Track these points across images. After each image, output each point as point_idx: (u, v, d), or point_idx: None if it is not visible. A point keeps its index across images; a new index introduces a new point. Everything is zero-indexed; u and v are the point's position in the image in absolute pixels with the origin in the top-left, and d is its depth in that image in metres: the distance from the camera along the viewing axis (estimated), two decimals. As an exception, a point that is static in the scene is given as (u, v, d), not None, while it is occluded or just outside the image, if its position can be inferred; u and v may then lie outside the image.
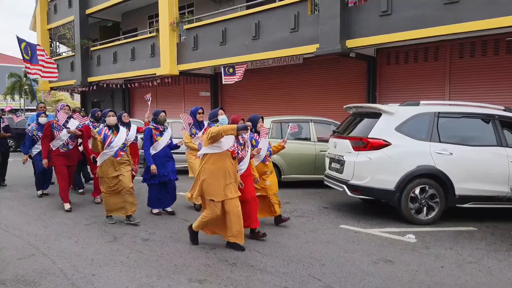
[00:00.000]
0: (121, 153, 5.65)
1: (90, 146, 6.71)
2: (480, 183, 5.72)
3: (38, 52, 12.12)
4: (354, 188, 5.93)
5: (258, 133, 5.44)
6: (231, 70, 11.80)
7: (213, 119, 5.00)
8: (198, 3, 15.84)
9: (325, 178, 6.93)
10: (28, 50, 11.84)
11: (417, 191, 5.69)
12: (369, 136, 5.86)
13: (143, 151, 6.29)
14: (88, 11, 18.20)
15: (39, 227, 5.62)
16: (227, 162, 4.54)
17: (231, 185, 4.58)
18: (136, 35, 16.70)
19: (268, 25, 11.15)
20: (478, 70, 9.45)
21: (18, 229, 5.51)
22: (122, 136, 5.73)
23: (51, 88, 21.51)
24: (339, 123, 7.78)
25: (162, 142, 6.16)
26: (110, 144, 5.57)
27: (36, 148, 7.57)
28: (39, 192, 7.63)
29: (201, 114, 6.50)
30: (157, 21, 15.45)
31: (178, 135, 8.34)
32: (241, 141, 4.84)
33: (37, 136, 7.57)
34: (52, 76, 12.87)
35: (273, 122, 8.51)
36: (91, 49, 18.15)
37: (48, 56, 13.32)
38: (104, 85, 18.04)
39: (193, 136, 6.40)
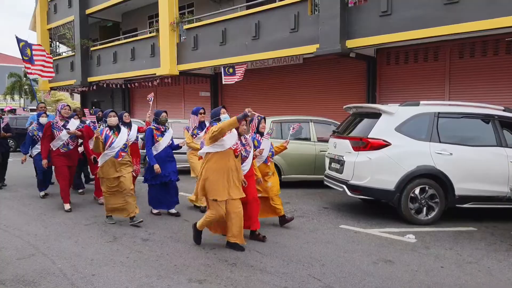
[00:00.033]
0: (122, 153, 5.62)
1: (90, 146, 6.70)
2: (480, 183, 5.72)
3: (36, 52, 12.13)
4: (354, 188, 5.93)
5: (261, 134, 5.42)
6: (231, 70, 11.80)
7: (215, 118, 4.98)
8: (198, 3, 15.84)
9: (325, 178, 6.93)
10: (27, 50, 11.85)
11: (417, 191, 5.69)
12: (369, 136, 5.86)
13: (143, 151, 6.27)
14: (88, 11, 18.20)
15: (39, 227, 5.62)
16: (230, 160, 4.49)
17: (235, 185, 4.54)
18: (136, 35, 16.70)
19: (268, 25, 11.15)
20: (478, 70, 9.46)
21: (18, 229, 5.52)
22: (123, 137, 5.70)
23: (51, 88, 21.52)
24: (339, 123, 7.78)
25: (163, 143, 6.13)
26: (111, 145, 5.54)
27: (37, 149, 7.56)
28: (42, 193, 7.60)
29: (203, 114, 6.46)
30: (157, 21, 15.45)
31: (178, 135, 8.34)
32: (243, 141, 4.83)
33: (37, 137, 7.56)
34: (49, 76, 12.91)
35: (273, 122, 8.51)
36: (91, 49, 18.15)
37: (49, 55, 13.34)
38: (104, 85, 18.04)
39: (194, 136, 6.37)
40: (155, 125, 6.19)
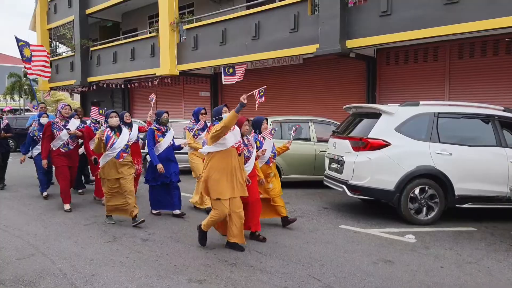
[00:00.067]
0: (124, 154, 5.59)
1: (91, 147, 6.67)
2: (480, 184, 5.72)
3: (36, 53, 12.15)
4: (353, 188, 5.93)
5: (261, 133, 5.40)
6: (231, 70, 11.77)
7: (218, 117, 4.95)
8: (198, 3, 15.84)
9: (324, 178, 6.93)
10: (24, 50, 11.86)
11: (416, 191, 5.69)
12: (368, 137, 5.86)
13: (143, 151, 6.23)
14: (88, 11, 18.20)
15: (38, 227, 5.62)
16: (233, 159, 4.47)
17: (239, 182, 4.51)
18: (136, 35, 16.70)
19: (268, 25, 11.15)
20: (478, 70, 9.46)
21: (17, 229, 5.51)
22: (125, 137, 5.65)
23: (51, 88, 21.52)
24: (339, 123, 7.78)
25: (164, 143, 6.09)
26: (113, 146, 5.50)
27: (37, 149, 7.55)
28: (45, 193, 7.55)
29: (204, 115, 6.41)
30: (157, 21, 15.45)
31: (178, 136, 8.33)
32: (246, 142, 4.81)
33: (38, 137, 7.55)
34: (47, 75, 12.95)
35: (273, 122, 8.51)
36: (91, 49, 18.15)
37: (47, 55, 13.35)
38: (104, 85, 18.04)
39: (196, 137, 6.32)
40: (157, 125, 6.16)
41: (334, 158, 6.54)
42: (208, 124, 6.33)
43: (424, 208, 5.73)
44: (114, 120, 5.63)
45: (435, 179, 5.70)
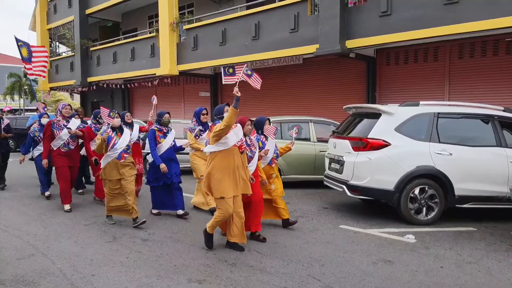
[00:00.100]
0: (125, 155, 5.56)
1: (92, 147, 6.66)
2: (480, 184, 5.72)
3: (36, 54, 12.17)
4: (353, 188, 5.93)
5: (266, 137, 5.37)
6: (230, 70, 11.77)
7: (219, 116, 4.93)
8: (198, 3, 15.84)
9: (324, 178, 6.93)
10: (22, 50, 11.88)
11: (416, 191, 5.69)
12: (368, 137, 5.86)
13: (144, 151, 6.20)
14: (88, 11, 18.20)
15: (38, 227, 5.62)
16: (236, 158, 4.46)
17: (242, 180, 4.50)
18: (136, 35, 16.70)
19: (268, 25, 11.15)
20: (478, 70, 9.46)
21: (17, 229, 5.51)
22: (126, 138, 5.62)
23: (51, 88, 21.51)
24: (339, 124, 7.78)
25: (165, 144, 6.05)
26: (114, 146, 5.48)
27: (38, 150, 7.55)
28: (47, 193, 7.54)
29: (205, 115, 6.35)
30: (157, 21, 15.45)
31: (178, 136, 8.32)
32: (248, 142, 4.81)
33: (39, 138, 7.54)
34: (44, 75, 12.99)
35: (273, 122, 8.50)
36: (91, 49, 18.15)
37: (46, 56, 13.37)
38: (104, 85, 18.03)
39: (197, 137, 6.27)
40: (158, 126, 6.13)
41: (334, 158, 6.54)
42: (210, 124, 6.32)
43: (424, 208, 5.73)
44: (116, 121, 5.60)
45: (435, 179, 5.70)
